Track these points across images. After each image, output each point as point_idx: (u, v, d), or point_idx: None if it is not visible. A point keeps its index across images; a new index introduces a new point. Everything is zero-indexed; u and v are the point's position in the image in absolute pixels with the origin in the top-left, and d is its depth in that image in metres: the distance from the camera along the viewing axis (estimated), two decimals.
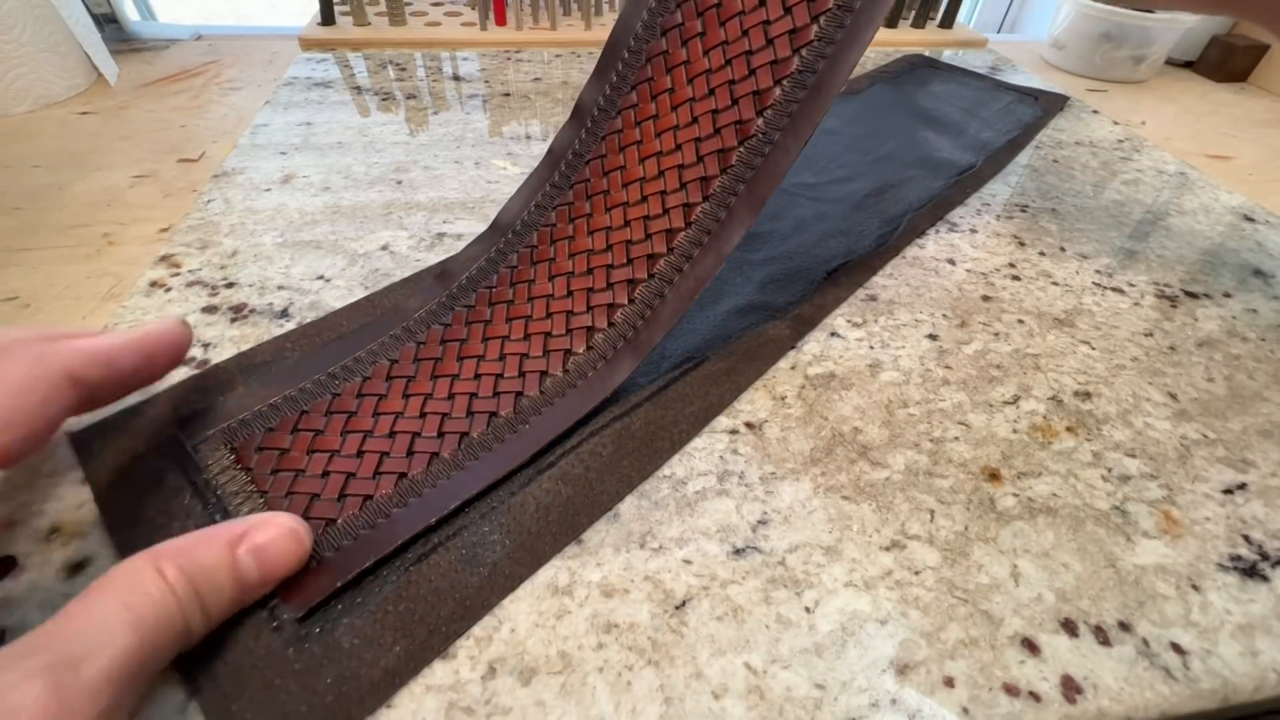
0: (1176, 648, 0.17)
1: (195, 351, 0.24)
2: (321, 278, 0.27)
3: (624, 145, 0.25)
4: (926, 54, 0.55)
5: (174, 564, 0.14)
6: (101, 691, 0.12)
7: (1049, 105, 0.46)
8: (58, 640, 0.12)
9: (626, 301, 0.23)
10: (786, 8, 0.22)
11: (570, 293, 0.24)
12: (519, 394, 0.22)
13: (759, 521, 0.19)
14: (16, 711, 0.11)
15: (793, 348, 0.25)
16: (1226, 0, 0.24)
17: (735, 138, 0.22)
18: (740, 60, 0.23)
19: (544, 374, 0.22)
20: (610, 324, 0.23)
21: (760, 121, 0.22)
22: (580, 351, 0.22)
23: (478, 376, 0.22)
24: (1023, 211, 0.35)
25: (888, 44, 0.57)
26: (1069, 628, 0.17)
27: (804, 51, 0.22)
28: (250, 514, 0.18)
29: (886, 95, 0.46)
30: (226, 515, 0.18)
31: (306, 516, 0.18)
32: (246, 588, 0.15)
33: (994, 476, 0.21)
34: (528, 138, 0.39)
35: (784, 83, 0.22)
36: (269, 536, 0.16)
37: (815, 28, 0.22)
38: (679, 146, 0.23)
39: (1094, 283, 0.30)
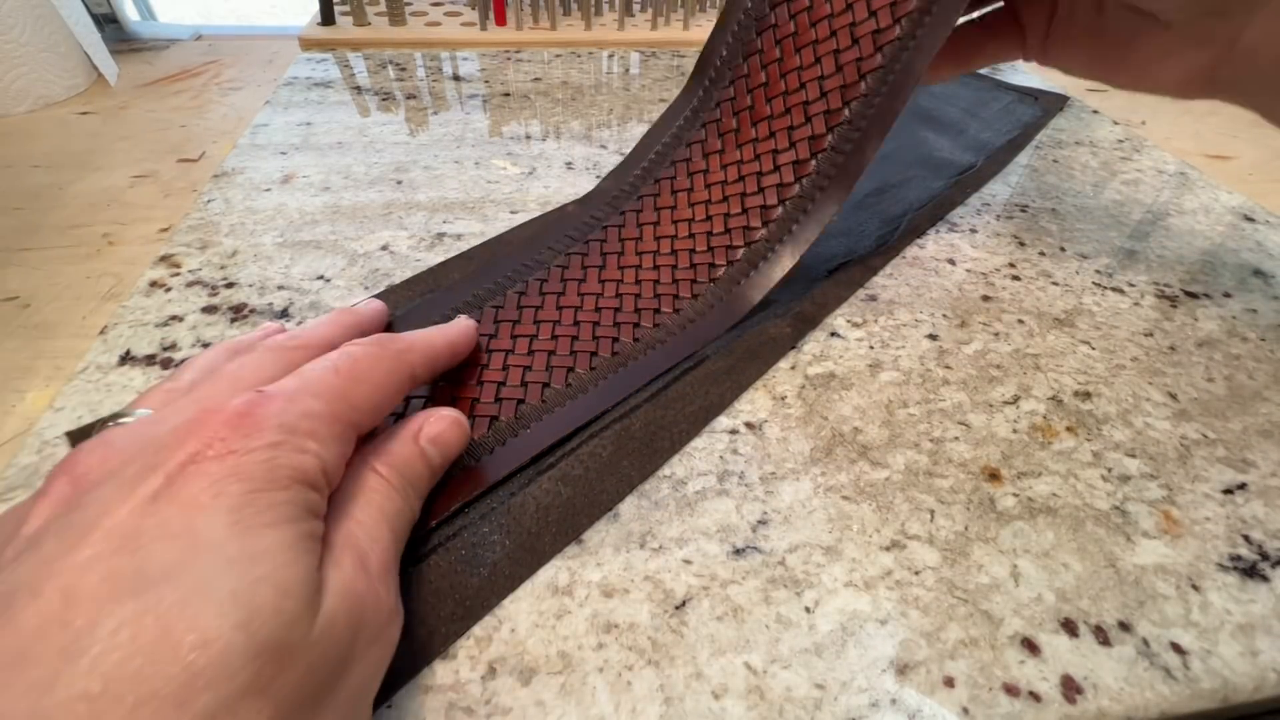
0: (1176, 648, 0.17)
1: (195, 352, 0.24)
2: (321, 278, 0.27)
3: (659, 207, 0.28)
4: None
5: (384, 464, 0.16)
6: (388, 577, 0.15)
7: (1049, 105, 0.46)
8: (344, 538, 0.14)
9: (631, 340, 0.25)
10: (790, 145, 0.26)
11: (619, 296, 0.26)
12: (527, 395, 0.22)
13: (759, 521, 0.19)
14: (351, 583, 0.13)
15: (793, 347, 0.25)
16: (1217, 87, 0.24)
17: (742, 239, 0.26)
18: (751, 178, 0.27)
19: (593, 355, 0.24)
20: (614, 352, 0.24)
21: (764, 232, 0.26)
22: (587, 373, 0.23)
23: (480, 383, 0.22)
24: (1023, 211, 0.35)
25: None
26: (1069, 628, 0.17)
27: (798, 189, 0.26)
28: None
29: None
30: None
31: None
32: (435, 471, 0.18)
33: (994, 476, 0.21)
34: (528, 138, 0.39)
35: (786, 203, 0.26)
36: (441, 426, 0.18)
37: (813, 162, 0.25)
38: (691, 234, 0.28)
39: (1094, 283, 0.30)
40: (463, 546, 0.18)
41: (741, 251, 0.26)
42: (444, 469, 0.19)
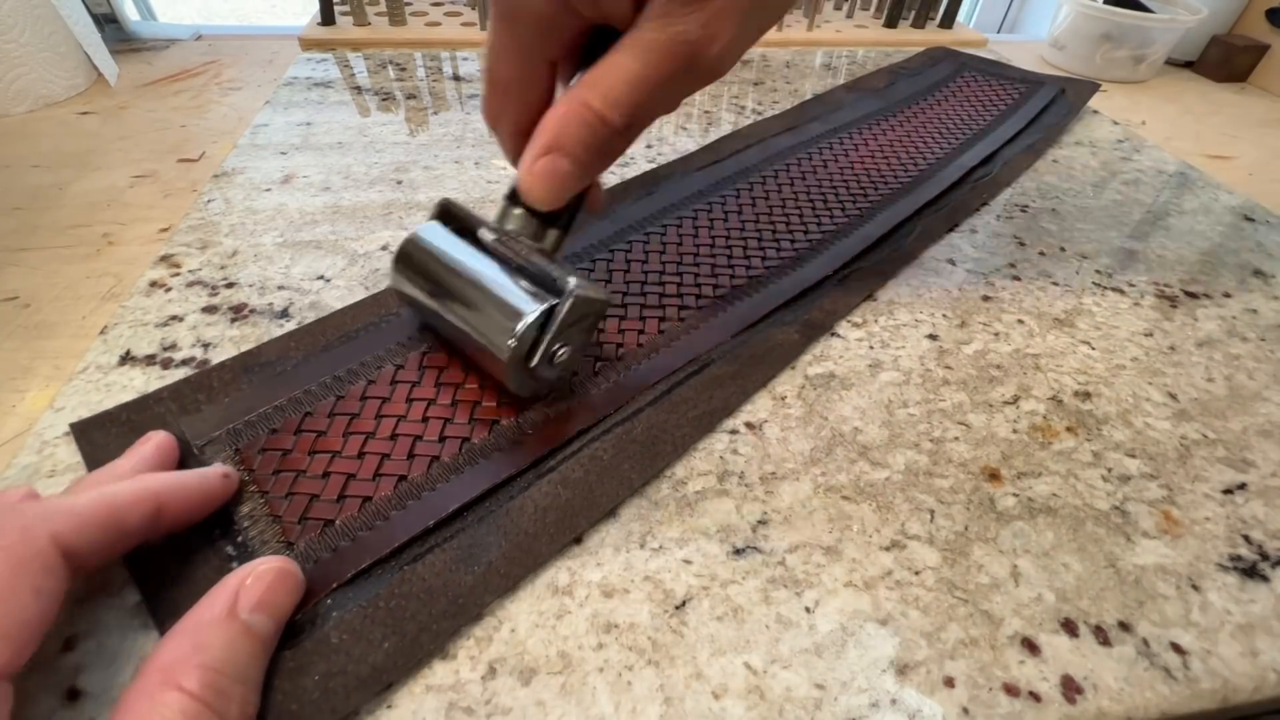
0: (1176, 648, 0.17)
1: (195, 352, 0.24)
2: (321, 278, 0.27)
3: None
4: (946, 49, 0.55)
5: (192, 672, 0.13)
6: None
7: (1078, 95, 0.46)
8: None
9: (635, 346, 0.24)
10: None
11: None
12: (522, 406, 0.22)
13: (759, 521, 0.19)
14: None
15: (800, 353, 0.25)
16: None
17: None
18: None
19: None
20: (618, 357, 0.24)
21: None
22: (589, 377, 0.23)
23: (483, 386, 0.22)
24: (1023, 211, 0.35)
25: (889, 43, 0.57)
26: (1069, 628, 0.17)
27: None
28: (250, 513, 0.18)
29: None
30: (226, 512, 0.18)
31: (305, 517, 0.18)
32: (268, 642, 0.15)
33: (994, 476, 0.21)
34: None
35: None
36: (262, 587, 0.15)
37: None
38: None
39: (1094, 283, 0.30)
40: (459, 547, 0.18)
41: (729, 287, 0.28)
42: (280, 632, 0.15)
